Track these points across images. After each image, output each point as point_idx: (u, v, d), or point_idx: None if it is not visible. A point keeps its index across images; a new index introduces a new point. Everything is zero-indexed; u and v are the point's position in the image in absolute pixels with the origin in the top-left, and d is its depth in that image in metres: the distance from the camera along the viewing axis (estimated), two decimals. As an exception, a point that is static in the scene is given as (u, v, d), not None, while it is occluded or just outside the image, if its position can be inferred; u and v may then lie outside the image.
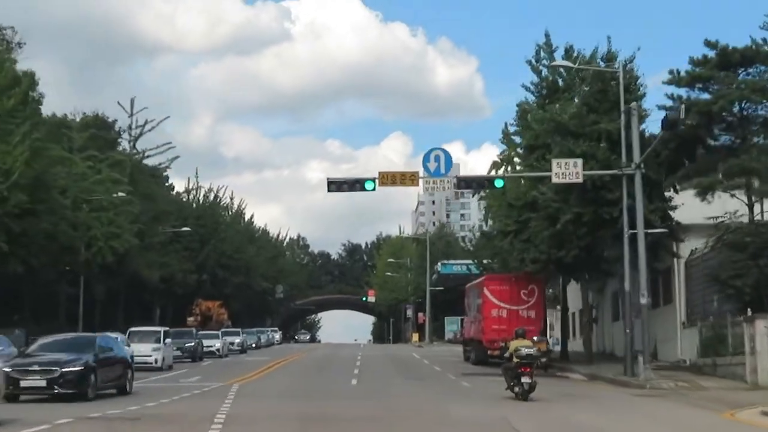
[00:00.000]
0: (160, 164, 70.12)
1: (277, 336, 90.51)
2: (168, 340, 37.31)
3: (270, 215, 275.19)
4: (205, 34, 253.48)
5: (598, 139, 33.67)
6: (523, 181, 41.75)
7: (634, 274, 31.81)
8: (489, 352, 42.80)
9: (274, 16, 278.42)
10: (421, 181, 31.66)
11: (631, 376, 30.69)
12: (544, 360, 38.56)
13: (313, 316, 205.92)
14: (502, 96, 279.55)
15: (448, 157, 31.58)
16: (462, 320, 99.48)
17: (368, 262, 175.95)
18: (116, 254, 55.21)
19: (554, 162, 31.67)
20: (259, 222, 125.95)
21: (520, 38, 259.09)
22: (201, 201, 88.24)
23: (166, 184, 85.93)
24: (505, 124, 46.23)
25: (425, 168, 31.56)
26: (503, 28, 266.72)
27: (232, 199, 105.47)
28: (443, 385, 29.91)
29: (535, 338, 39.58)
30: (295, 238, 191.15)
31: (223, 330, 64.12)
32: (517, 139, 44.92)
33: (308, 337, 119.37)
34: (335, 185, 31.54)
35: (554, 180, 31.70)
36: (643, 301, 30.60)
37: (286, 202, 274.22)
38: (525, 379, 22.68)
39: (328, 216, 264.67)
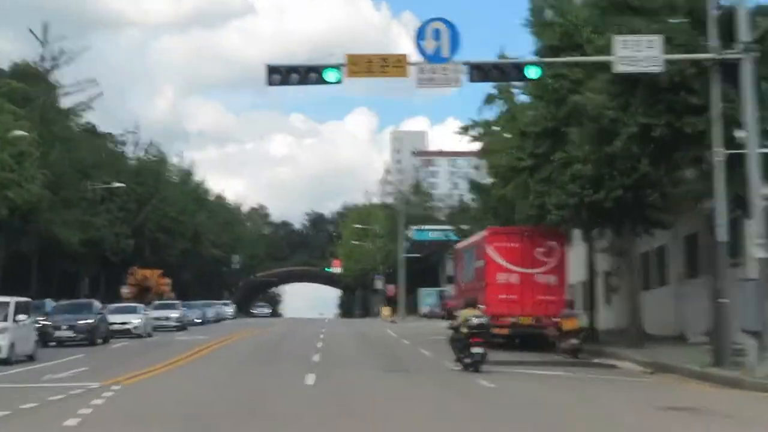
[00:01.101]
0: (80, 103, 58.13)
1: (230, 310, 79.12)
2: (23, 317, 24.86)
3: (233, 189, 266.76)
4: (169, 7, 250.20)
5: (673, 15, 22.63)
6: (540, 109, 30.80)
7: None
8: (494, 330, 32.15)
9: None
10: (413, 70, 20.45)
11: (732, 369, 19.88)
12: (576, 342, 27.99)
13: (275, 289, 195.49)
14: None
15: (455, 34, 20.35)
16: (441, 292, 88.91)
17: (333, 232, 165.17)
18: (16, 208, 43.79)
19: (618, 41, 20.54)
20: (216, 189, 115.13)
21: (483, 12, 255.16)
22: (142, 155, 76.63)
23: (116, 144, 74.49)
24: (500, 48, 35.27)
25: (419, 50, 20.33)
26: (467, 2, 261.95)
27: (180, 156, 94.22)
28: (450, 386, 18.93)
29: (564, 311, 29.10)
30: (256, 207, 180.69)
31: (157, 303, 52.96)
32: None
33: (268, 311, 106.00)
34: (279, 75, 20.23)
35: (618, 68, 20.60)
36: (762, 253, 19.74)
37: (250, 176, 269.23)
38: (476, 350, 21.40)
39: (292, 191, 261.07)
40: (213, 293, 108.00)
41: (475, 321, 21.78)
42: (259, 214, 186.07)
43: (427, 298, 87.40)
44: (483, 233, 34.01)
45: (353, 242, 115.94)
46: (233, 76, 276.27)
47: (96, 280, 69.33)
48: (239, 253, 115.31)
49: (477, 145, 44.44)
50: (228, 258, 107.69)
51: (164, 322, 48.38)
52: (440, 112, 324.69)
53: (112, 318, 37.00)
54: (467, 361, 21.48)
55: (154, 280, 68.34)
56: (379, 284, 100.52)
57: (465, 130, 43.39)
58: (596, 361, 26.96)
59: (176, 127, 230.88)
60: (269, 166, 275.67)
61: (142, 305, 43.17)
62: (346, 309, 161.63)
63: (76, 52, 55.79)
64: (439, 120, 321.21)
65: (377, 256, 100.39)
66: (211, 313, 66.02)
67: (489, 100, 39.00)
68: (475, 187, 49.13)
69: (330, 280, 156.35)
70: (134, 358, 27.10)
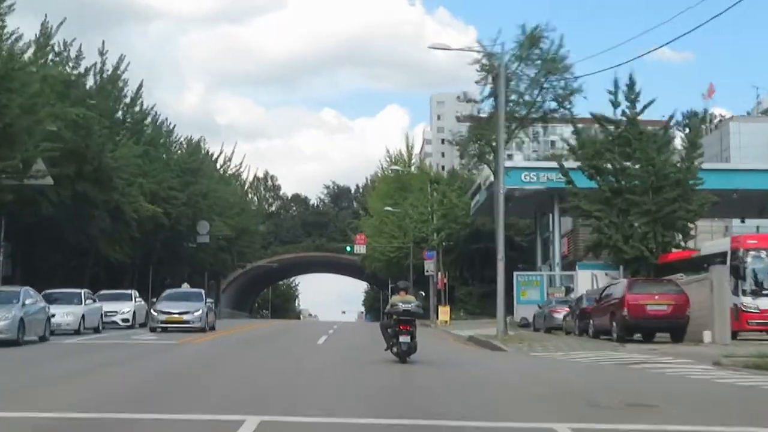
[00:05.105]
0: None
1: (126, 309, 37.64)
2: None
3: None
4: (198, 1, 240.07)
5: None
6: None
7: None
8: None
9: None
10: None
11: None
12: None
13: (289, 280, 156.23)
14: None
15: None
16: (550, 280, 46.62)
17: (359, 209, 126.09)
18: None
19: None
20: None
21: (517, 8, 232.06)
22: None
23: None
24: None
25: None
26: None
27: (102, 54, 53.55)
28: None
29: None
30: (262, 177, 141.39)
31: None
32: None
33: (192, 314, 36.74)
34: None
35: None
36: None
37: (280, 171, 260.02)
38: (403, 339, 19.15)
39: (321, 185, 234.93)
40: (193, 284, 66.50)
41: (401, 307, 19.40)
42: (266, 184, 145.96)
43: (530, 288, 46.44)
44: None
45: (387, 209, 75.73)
46: (263, 71, 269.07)
47: None
48: (221, 223, 74.60)
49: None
50: (188, 225, 67.27)
51: None
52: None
53: None
54: (395, 350, 19.27)
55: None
56: (430, 267, 59.64)
57: None
58: None
59: (207, 121, 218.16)
60: (299, 161, 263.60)
61: None
62: (373, 308, 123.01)
63: None
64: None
65: (432, 217, 59.32)
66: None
67: None
68: None
69: (355, 270, 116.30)
70: None
